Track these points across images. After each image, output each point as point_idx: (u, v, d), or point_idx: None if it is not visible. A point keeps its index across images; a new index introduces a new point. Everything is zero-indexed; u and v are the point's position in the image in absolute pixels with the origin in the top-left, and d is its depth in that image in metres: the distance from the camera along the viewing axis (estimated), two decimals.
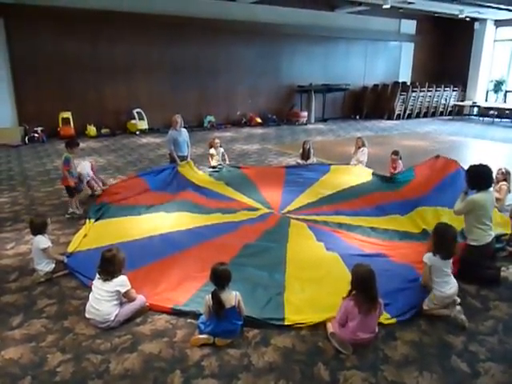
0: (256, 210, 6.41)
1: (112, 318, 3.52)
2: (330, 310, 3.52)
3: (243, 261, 4.57)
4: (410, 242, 5.20)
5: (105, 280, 3.59)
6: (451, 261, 3.76)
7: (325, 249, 4.95)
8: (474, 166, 4.54)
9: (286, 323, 3.55)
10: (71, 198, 6.28)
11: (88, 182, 7.03)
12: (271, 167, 9.16)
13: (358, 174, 7.93)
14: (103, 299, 3.53)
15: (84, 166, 7.02)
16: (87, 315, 3.58)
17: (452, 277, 3.76)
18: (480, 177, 4.42)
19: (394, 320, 3.60)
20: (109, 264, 3.59)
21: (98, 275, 3.65)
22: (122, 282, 3.61)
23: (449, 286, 3.70)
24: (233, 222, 5.88)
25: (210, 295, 3.36)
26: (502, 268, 4.45)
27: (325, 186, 7.43)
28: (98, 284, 3.62)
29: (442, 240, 3.72)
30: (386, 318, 3.58)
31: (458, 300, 3.78)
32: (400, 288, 4.02)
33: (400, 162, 8.18)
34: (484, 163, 4.59)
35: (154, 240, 5.23)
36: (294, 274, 4.34)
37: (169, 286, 4.09)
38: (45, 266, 4.35)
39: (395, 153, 8.28)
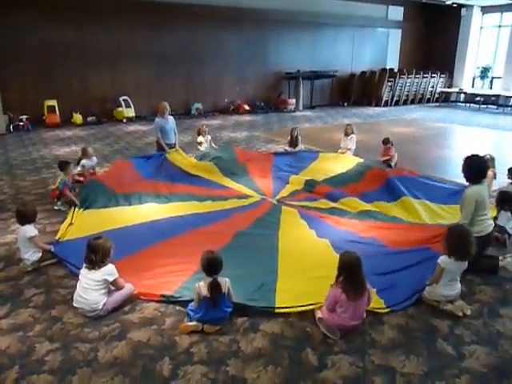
0: (247, 197, 6.41)
1: (100, 307, 3.51)
2: (320, 298, 3.54)
3: (235, 249, 4.55)
4: (401, 224, 5.24)
5: (91, 269, 3.57)
6: (466, 264, 3.68)
7: (316, 236, 4.96)
8: (468, 157, 4.42)
9: (276, 311, 3.56)
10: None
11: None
12: (260, 153, 9.12)
13: (345, 162, 7.94)
14: (91, 288, 3.52)
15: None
16: (75, 304, 3.57)
17: (458, 282, 3.72)
18: (473, 169, 4.34)
19: (387, 310, 3.62)
20: (94, 253, 3.56)
21: (85, 264, 3.63)
22: (109, 271, 3.60)
23: (452, 289, 3.67)
24: (224, 210, 5.88)
25: (208, 284, 3.33)
26: (500, 257, 4.46)
27: (314, 172, 7.44)
28: (85, 273, 3.60)
29: (457, 241, 3.63)
30: (380, 306, 3.61)
31: (459, 301, 3.70)
32: (393, 273, 4.07)
33: (393, 148, 8.19)
34: (477, 154, 4.47)
35: (143, 227, 5.20)
36: (285, 261, 4.35)
37: (158, 273, 4.08)
38: (31, 256, 4.31)
39: (385, 141, 8.25)
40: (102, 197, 6.14)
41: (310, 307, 3.55)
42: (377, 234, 4.97)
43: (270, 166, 7.87)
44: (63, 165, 6.41)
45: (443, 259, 3.65)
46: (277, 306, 3.60)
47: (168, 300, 3.72)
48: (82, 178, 7.02)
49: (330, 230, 5.12)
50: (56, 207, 6.02)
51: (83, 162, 7.22)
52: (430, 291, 3.72)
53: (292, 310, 3.57)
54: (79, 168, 7.21)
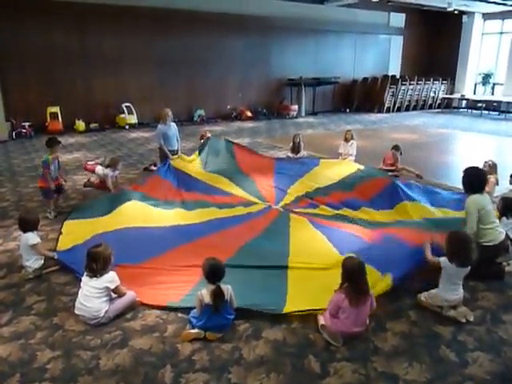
0: (253, 204, 6.34)
1: (102, 315, 3.50)
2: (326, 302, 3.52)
3: (243, 259, 4.48)
4: (408, 227, 5.14)
5: (93, 277, 3.56)
6: (467, 270, 3.64)
7: (327, 241, 4.89)
8: (466, 169, 4.52)
9: (284, 312, 3.58)
10: (48, 200, 6.11)
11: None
12: (261, 157, 8.88)
13: (346, 168, 7.87)
14: (92, 296, 3.51)
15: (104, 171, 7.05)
16: (76, 311, 3.56)
17: (460, 287, 3.69)
18: (473, 181, 4.41)
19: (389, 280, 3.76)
20: (95, 261, 3.54)
21: (86, 272, 3.62)
22: (111, 278, 3.59)
23: (454, 294, 3.64)
24: (230, 217, 5.78)
25: (210, 291, 3.32)
26: (504, 263, 4.43)
27: (314, 178, 7.37)
28: (86, 281, 3.59)
29: (457, 248, 3.61)
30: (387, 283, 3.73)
31: (462, 307, 3.69)
32: (402, 259, 4.09)
33: (399, 157, 8.07)
34: (475, 166, 4.61)
35: (149, 235, 5.08)
36: (296, 270, 4.30)
37: (163, 283, 4.06)
38: (33, 263, 4.30)
39: (395, 147, 8.14)
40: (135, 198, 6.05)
41: (318, 312, 3.55)
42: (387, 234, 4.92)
43: (271, 172, 7.76)
44: (51, 142, 6.06)
45: (443, 260, 3.66)
46: (285, 310, 3.59)
47: (174, 308, 3.71)
48: (97, 181, 7.01)
49: (340, 236, 5.04)
50: (47, 214, 5.97)
51: (107, 170, 6.90)
52: (432, 296, 3.72)
53: (300, 313, 3.57)
54: (100, 171, 6.96)
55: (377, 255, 4.17)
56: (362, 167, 7.80)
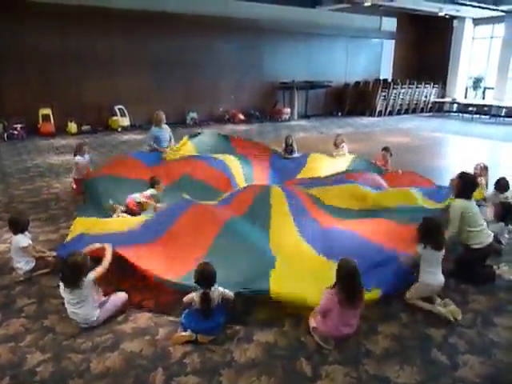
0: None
1: (94, 319, 3.47)
2: (315, 286, 3.55)
3: (227, 238, 4.35)
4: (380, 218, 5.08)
5: (69, 288, 3.42)
6: (442, 253, 3.80)
7: (298, 234, 4.67)
8: (464, 175, 4.57)
9: (271, 294, 3.56)
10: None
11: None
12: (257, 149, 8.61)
13: (336, 163, 7.86)
14: (78, 304, 3.43)
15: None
16: (70, 316, 3.51)
17: (440, 271, 3.80)
18: (466, 186, 4.45)
19: (376, 294, 3.66)
20: (70, 271, 3.38)
21: (61, 282, 3.47)
22: (89, 282, 3.47)
23: (433, 278, 3.76)
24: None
25: (199, 297, 3.32)
26: (494, 266, 4.48)
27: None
28: (65, 291, 3.46)
29: (432, 232, 3.79)
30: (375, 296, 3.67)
31: (452, 306, 3.72)
32: (375, 266, 4.00)
33: (389, 159, 8.08)
34: (470, 173, 4.74)
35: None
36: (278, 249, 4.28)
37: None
38: (24, 265, 4.27)
39: (386, 149, 8.14)
40: (119, 187, 5.98)
41: (305, 294, 3.56)
42: (356, 227, 4.83)
43: (266, 173, 7.68)
44: (154, 182, 6.07)
45: (420, 247, 3.81)
46: (271, 290, 3.58)
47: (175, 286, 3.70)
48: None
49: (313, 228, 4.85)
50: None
51: (77, 158, 7.25)
52: (415, 287, 3.79)
53: (287, 294, 3.58)
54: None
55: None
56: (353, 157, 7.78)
